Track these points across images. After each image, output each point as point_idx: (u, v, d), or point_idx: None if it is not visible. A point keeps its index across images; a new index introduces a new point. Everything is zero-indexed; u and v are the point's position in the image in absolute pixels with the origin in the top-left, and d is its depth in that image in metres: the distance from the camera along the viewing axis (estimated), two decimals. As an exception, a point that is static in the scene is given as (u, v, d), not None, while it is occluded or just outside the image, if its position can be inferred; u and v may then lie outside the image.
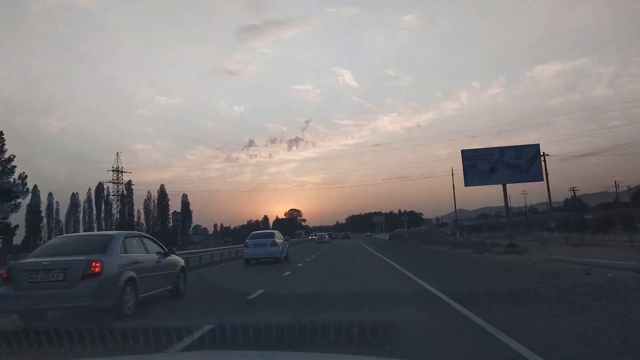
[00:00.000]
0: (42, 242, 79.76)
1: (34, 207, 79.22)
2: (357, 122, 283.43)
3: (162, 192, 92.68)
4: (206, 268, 20.01)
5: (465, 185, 25.97)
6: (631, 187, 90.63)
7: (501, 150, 25.65)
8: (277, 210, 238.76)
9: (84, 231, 77.34)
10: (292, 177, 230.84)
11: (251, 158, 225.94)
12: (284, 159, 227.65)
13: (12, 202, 53.78)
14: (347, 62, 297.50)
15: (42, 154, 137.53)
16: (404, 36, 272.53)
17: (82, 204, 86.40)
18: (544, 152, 42.18)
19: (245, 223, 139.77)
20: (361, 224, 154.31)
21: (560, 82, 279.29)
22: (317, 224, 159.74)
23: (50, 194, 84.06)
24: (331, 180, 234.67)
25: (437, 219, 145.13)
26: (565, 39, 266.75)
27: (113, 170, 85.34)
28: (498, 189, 36.35)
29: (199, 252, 25.17)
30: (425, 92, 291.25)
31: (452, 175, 59.02)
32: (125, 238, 8.24)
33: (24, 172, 63.42)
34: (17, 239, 67.32)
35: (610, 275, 10.27)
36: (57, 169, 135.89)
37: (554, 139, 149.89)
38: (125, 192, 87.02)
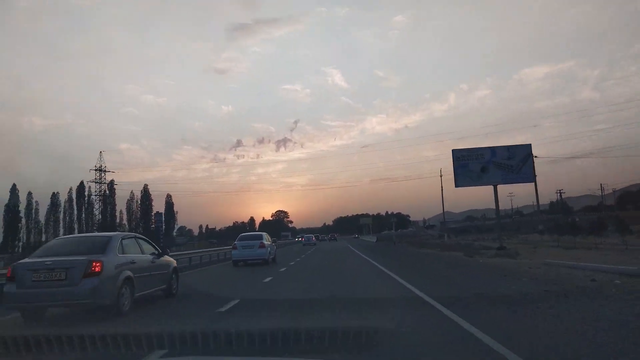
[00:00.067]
0: (20, 242, 78.14)
1: (12, 207, 77.22)
2: (346, 123, 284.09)
3: (146, 192, 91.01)
4: (186, 272, 18.92)
5: (456, 186, 25.22)
6: (616, 189, 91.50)
7: (493, 150, 25.00)
8: (264, 211, 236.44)
9: (64, 233, 76.22)
10: (280, 178, 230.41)
11: (238, 158, 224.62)
12: (271, 160, 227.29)
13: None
14: (337, 62, 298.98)
15: (21, 153, 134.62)
16: (394, 37, 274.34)
17: (62, 204, 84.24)
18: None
19: (231, 224, 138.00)
20: (348, 226, 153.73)
21: (548, 85, 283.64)
22: (304, 226, 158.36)
23: (29, 194, 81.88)
24: (319, 181, 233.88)
25: (424, 221, 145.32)
26: (552, 42, 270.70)
27: (95, 170, 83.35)
28: (485, 191, 35.55)
29: (182, 254, 24.27)
30: (414, 93, 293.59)
31: (441, 176, 58.36)
32: (122, 239, 8.63)
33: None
34: (-6, 239, 65.40)
35: (618, 282, 9.52)
36: (38, 168, 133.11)
37: (541, 141, 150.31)
38: (107, 192, 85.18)
